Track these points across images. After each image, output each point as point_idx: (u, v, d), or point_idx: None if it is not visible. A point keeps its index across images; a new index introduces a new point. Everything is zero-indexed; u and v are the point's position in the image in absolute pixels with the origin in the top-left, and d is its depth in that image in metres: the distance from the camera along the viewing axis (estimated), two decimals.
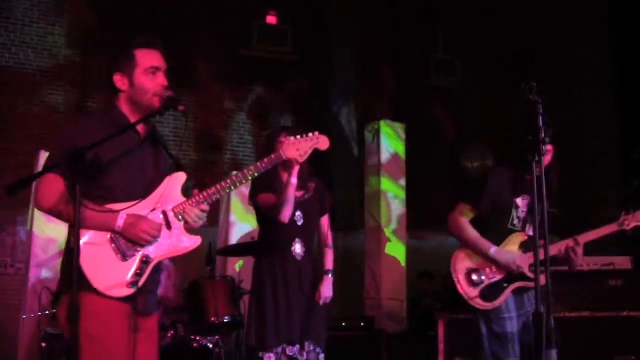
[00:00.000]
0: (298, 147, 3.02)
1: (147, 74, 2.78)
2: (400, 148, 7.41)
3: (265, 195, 4.09)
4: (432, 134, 9.70)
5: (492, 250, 3.74)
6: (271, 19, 9.20)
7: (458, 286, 3.79)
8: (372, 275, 7.05)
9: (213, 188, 2.77)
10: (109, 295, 2.57)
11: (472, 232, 3.81)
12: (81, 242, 2.56)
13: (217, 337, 4.81)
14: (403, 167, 7.38)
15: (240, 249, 5.31)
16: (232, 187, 2.80)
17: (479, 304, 3.75)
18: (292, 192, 3.94)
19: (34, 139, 7.68)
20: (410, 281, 7.16)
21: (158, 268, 2.80)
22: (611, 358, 5.19)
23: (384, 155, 7.30)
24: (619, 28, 9.68)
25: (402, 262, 7.12)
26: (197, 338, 4.77)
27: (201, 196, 2.76)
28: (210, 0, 8.93)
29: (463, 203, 3.86)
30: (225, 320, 4.71)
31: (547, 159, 3.71)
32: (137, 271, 2.64)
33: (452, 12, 9.89)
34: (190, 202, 2.75)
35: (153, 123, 2.90)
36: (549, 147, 3.70)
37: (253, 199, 4.21)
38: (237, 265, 5.56)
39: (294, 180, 3.89)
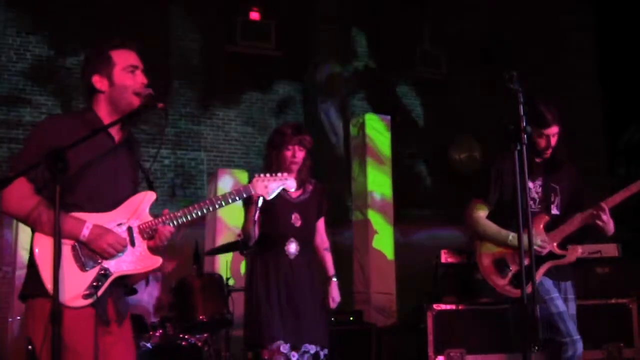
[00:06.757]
0: (267, 184, 3.11)
1: (127, 72, 2.76)
2: (385, 141, 7.38)
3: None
4: (417, 126, 9.70)
5: (511, 237, 3.71)
6: (254, 15, 9.18)
7: (488, 279, 3.77)
8: (361, 269, 7.04)
9: (181, 212, 2.78)
10: (65, 305, 2.50)
11: (488, 226, 3.82)
12: (42, 248, 2.55)
13: (205, 335, 4.79)
14: (389, 160, 7.36)
15: (227, 248, 5.31)
16: (200, 214, 2.82)
17: (512, 292, 3.69)
18: (251, 227, 3.88)
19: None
20: (399, 274, 7.15)
21: (124, 279, 2.76)
22: (599, 345, 5.22)
23: (370, 149, 7.27)
24: (603, 18, 9.72)
25: (390, 255, 7.10)
26: (186, 336, 4.74)
27: (169, 218, 2.76)
28: None
29: (475, 199, 3.89)
30: (214, 318, 4.70)
31: (553, 141, 3.77)
32: (95, 283, 2.61)
33: (437, 4, 9.89)
34: (158, 221, 2.75)
35: (130, 129, 2.86)
36: (555, 129, 3.74)
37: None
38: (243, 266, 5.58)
39: (256, 216, 3.82)
